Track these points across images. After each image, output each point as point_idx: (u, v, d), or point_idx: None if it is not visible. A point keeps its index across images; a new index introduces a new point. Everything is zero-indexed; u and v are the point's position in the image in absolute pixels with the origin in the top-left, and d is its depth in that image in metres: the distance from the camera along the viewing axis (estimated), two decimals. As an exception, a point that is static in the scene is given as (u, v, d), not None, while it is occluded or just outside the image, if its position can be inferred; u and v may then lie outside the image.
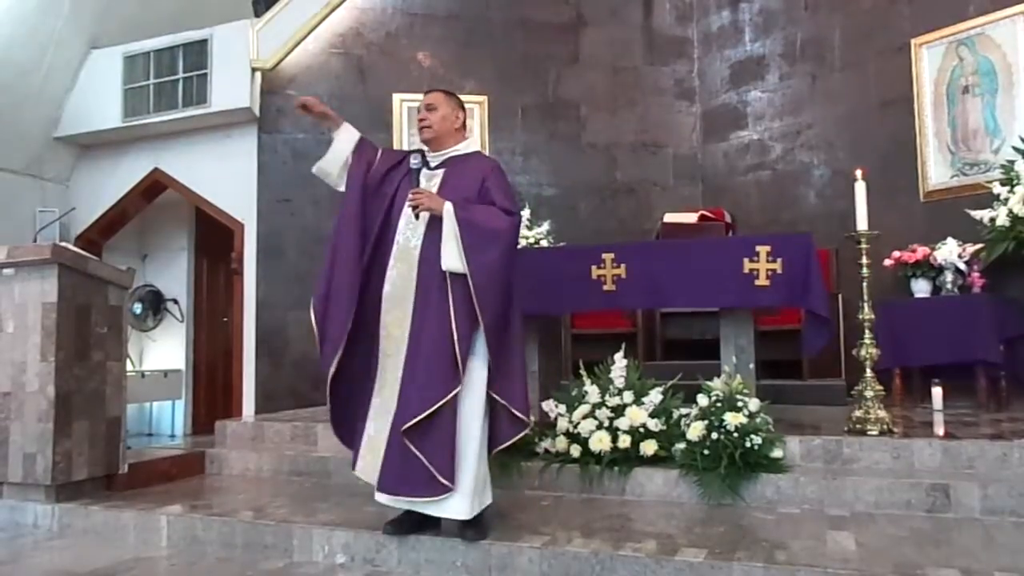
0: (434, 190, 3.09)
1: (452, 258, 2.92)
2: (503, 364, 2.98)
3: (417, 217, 3.03)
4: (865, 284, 3.85)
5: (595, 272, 4.12)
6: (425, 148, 3.25)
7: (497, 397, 2.99)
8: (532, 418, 3.99)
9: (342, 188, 3.21)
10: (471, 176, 3.12)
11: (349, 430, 3.14)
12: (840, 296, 5.49)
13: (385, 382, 3.04)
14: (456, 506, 2.92)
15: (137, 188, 7.13)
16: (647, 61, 7.34)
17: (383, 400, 3.03)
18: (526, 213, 6.08)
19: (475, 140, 6.44)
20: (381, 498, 2.97)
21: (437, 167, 3.19)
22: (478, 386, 2.97)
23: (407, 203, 3.05)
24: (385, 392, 3.03)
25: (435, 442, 2.86)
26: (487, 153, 6.58)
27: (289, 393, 6.34)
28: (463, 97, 3.50)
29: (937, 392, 4.51)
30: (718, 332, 4.09)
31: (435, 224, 3.00)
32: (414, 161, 3.10)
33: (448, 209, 2.95)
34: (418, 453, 2.84)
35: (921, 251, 5.11)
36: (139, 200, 7.33)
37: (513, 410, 3.00)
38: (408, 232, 3.08)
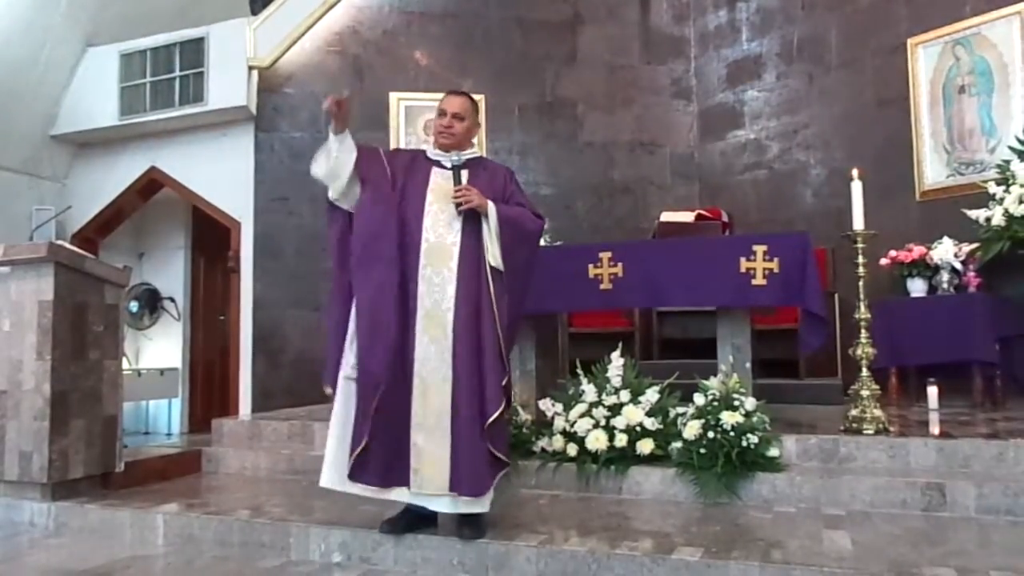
0: None
1: (498, 255, 3.01)
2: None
3: (460, 214, 3.01)
4: (861, 283, 3.86)
5: (592, 271, 4.11)
6: (431, 150, 3.19)
7: None
8: (529, 417, 4.02)
9: (336, 190, 3.01)
10: (491, 180, 3.15)
11: (382, 465, 2.95)
12: (836, 295, 5.51)
13: (429, 385, 2.92)
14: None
15: (133, 186, 7.12)
16: (644, 60, 7.34)
17: (428, 405, 2.92)
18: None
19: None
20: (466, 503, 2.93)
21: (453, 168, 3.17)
22: None
23: (453, 198, 3.00)
24: (430, 397, 2.92)
25: (501, 430, 2.99)
26: (484, 152, 6.62)
27: (286, 392, 6.33)
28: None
29: (933, 391, 4.52)
30: (715, 331, 4.09)
31: (470, 220, 3.02)
32: (455, 158, 3.11)
33: (491, 207, 3.01)
34: (490, 445, 2.89)
35: (917, 250, 5.12)
36: (135, 198, 7.32)
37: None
38: (441, 229, 3.02)
